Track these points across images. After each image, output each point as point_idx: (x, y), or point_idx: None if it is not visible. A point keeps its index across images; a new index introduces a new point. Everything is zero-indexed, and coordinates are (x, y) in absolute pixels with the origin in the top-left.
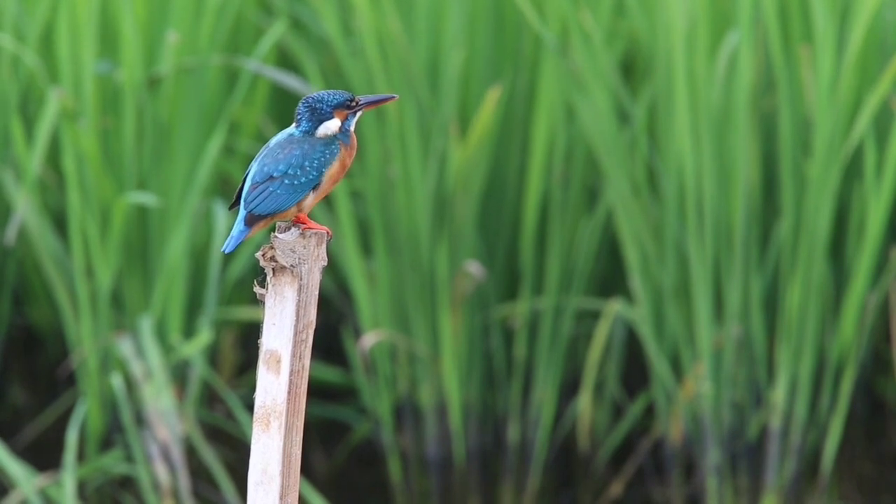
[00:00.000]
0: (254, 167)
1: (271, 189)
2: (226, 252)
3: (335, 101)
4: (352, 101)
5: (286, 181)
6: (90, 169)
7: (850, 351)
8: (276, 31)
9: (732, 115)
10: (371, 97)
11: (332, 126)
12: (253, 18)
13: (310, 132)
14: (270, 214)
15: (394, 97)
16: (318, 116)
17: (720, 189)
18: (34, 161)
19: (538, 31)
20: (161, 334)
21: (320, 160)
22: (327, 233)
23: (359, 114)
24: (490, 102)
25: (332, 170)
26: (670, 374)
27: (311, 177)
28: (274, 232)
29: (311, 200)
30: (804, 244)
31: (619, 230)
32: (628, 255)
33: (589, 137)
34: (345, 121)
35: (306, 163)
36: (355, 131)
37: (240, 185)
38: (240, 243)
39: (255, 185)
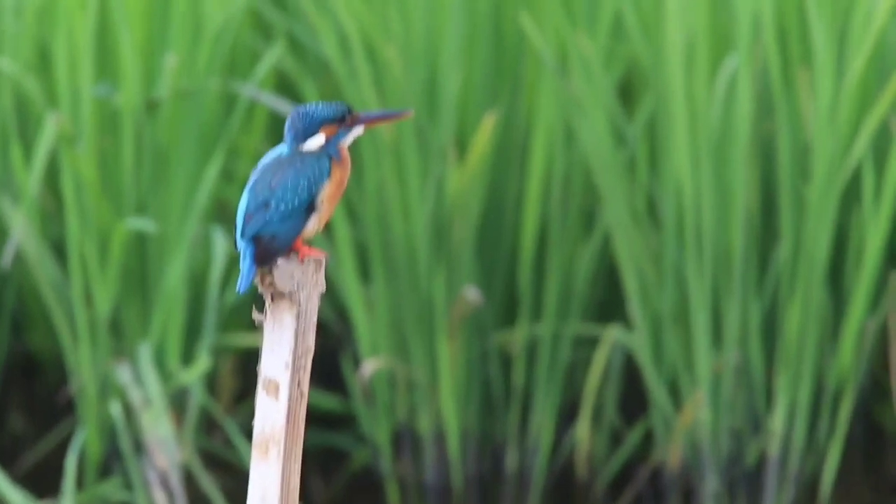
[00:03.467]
0: (246, 196)
1: (269, 219)
2: (240, 293)
3: (323, 116)
4: (345, 115)
5: (281, 207)
6: (89, 194)
7: (849, 377)
8: (273, 54)
9: (732, 139)
10: (376, 112)
11: (316, 143)
12: (250, 42)
13: (297, 149)
14: (280, 251)
15: (408, 112)
16: (304, 132)
17: (719, 213)
18: (32, 184)
19: (538, 50)
20: (160, 361)
21: (309, 179)
22: (324, 257)
23: (355, 129)
24: (486, 127)
25: (327, 191)
26: (669, 401)
27: (302, 198)
28: None
29: (311, 226)
30: (803, 269)
31: (618, 255)
32: (627, 280)
33: (587, 160)
34: (333, 136)
35: (300, 182)
36: (350, 149)
37: (238, 217)
38: (251, 280)
39: (248, 216)
